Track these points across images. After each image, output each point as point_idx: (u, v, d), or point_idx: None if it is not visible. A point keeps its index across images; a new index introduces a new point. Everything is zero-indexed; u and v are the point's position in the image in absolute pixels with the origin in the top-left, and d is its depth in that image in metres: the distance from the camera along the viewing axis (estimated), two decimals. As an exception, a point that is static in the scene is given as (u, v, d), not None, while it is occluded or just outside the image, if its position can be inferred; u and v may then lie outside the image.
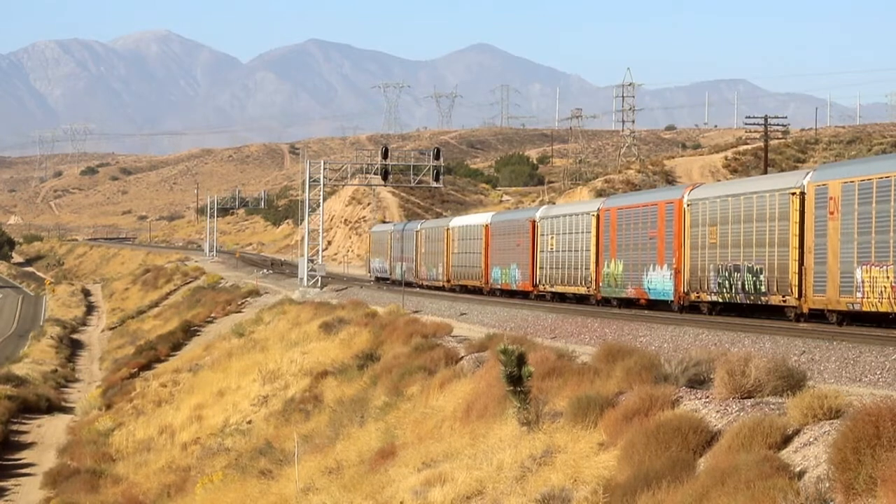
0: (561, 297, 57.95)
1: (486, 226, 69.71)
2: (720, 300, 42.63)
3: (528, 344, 27.50)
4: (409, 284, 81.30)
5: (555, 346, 29.46)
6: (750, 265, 40.28)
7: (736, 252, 41.43)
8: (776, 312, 39.57)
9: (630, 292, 50.02)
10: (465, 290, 73.17)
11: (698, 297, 44.16)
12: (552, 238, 58.51)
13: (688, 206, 45.16)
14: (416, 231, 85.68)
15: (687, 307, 45.12)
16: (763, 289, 39.42)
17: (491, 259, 68.31)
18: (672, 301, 46.18)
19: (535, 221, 61.27)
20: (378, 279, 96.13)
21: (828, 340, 29.10)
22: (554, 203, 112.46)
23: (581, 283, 54.94)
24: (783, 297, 38.23)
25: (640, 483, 16.44)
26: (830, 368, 26.07)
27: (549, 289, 58.90)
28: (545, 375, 24.03)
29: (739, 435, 16.58)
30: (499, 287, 66.78)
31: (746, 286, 40.42)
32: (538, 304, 55.80)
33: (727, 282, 41.81)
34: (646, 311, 47.56)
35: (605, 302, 52.64)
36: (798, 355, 27.29)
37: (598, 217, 53.45)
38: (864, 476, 13.51)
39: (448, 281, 76.57)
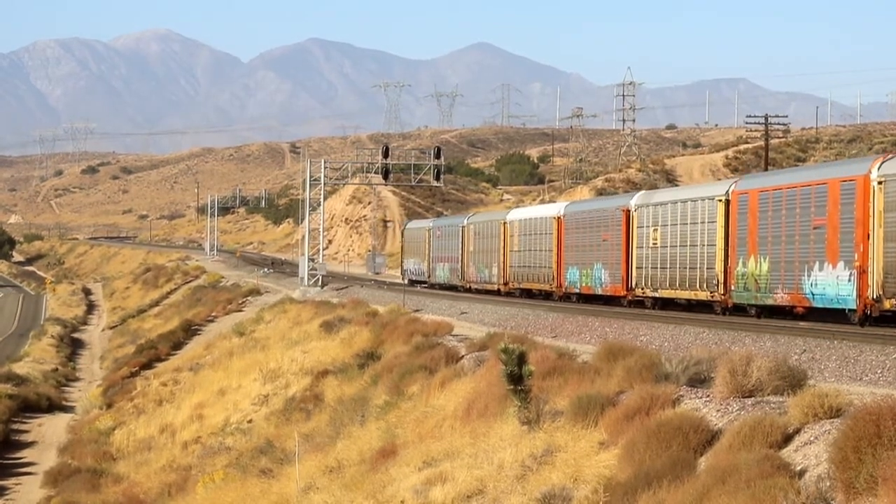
0: (666, 304, 47.78)
1: (558, 218, 59.03)
2: None
3: (529, 343, 27.47)
4: (453, 288, 74.80)
5: (556, 346, 29.47)
6: None
7: None
8: None
9: (780, 298, 38.78)
10: (528, 294, 62.59)
11: None
12: (655, 230, 48.77)
13: (879, 183, 33.81)
14: (463, 227, 74.86)
15: (876, 318, 33.60)
16: None
17: (565, 258, 57.68)
18: (853, 310, 34.50)
19: (629, 211, 50.99)
20: (413, 283, 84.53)
21: (828, 339, 29.08)
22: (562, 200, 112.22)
23: (701, 285, 44.95)
24: None
25: (641, 482, 16.46)
26: (831, 367, 26.07)
27: (650, 293, 48.88)
28: (546, 374, 24.03)
29: (740, 434, 16.58)
30: (577, 291, 56.08)
31: None
32: (539, 304, 55.17)
33: None
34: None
35: (739, 310, 41.78)
36: (799, 354, 27.29)
37: (727, 202, 43.18)
38: (865, 475, 13.51)
39: (505, 284, 65.88)
